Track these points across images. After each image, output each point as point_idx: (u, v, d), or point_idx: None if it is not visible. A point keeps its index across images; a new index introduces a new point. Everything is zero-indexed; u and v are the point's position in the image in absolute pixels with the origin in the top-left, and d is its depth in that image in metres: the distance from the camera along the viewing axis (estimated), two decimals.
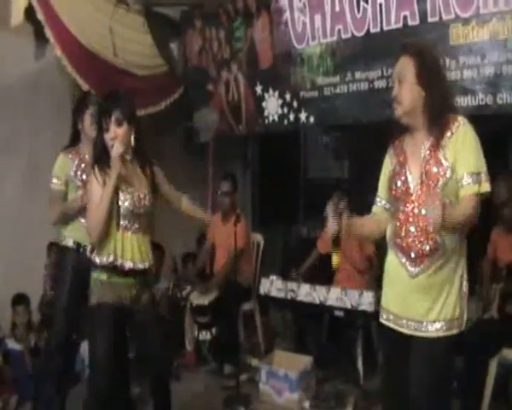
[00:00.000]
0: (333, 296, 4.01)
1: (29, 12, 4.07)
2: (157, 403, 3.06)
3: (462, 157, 2.22)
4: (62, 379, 3.52)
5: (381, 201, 2.56)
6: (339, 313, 3.99)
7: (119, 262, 2.79)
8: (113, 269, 2.80)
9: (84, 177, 3.43)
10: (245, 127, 5.12)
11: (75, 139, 3.53)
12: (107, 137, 2.78)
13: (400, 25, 3.86)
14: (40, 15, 4.15)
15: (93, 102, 3.47)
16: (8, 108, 4.35)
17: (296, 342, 4.66)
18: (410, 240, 2.30)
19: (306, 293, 4.15)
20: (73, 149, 3.51)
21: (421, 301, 2.30)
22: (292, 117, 4.66)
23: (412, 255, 2.30)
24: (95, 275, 2.83)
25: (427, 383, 2.29)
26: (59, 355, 3.46)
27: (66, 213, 3.45)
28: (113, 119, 2.76)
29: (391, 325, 2.44)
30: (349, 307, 3.91)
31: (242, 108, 5.08)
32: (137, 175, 2.91)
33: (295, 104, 4.62)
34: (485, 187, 2.23)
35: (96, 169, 2.80)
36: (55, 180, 3.46)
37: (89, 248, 3.00)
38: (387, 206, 2.51)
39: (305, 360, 4.11)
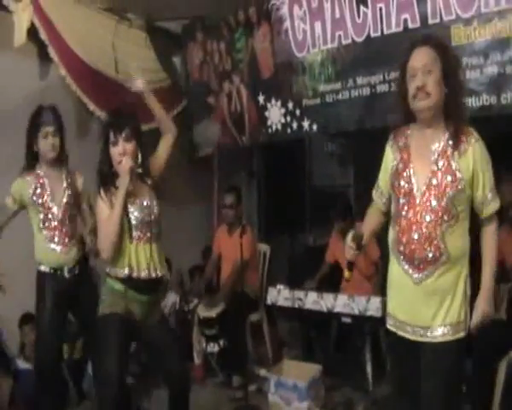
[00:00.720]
0: (340, 303, 3.97)
1: (32, 32, 4.13)
2: None
3: (482, 176, 2.21)
4: (61, 401, 3.52)
5: (381, 191, 2.54)
6: (346, 320, 3.94)
7: (135, 275, 2.80)
8: (129, 282, 2.80)
9: (41, 201, 3.40)
10: (248, 138, 5.12)
11: (32, 160, 3.46)
12: (116, 151, 2.80)
13: (401, 28, 3.86)
14: (43, 35, 4.23)
15: (46, 122, 3.40)
16: (12, 129, 4.32)
17: (304, 351, 4.63)
18: (413, 247, 2.27)
19: (313, 301, 4.11)
20: (30, 172, 3.45)
21: (426, 306, 2.28)
22: (295, 125, 4.66)
23: (415, 262, 2.27)
24: (110, 283, 2.84)
25: (437, 387, 2.25)
26: (49, 378, 3.41)
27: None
28: (123, 135, 2.78)
29: (398, 331, 2.41)
30: (357, 313, 3.87)
31: (245, 118, 5.08)
32: (140, 186, 2.92)
33: (298, 112, 4.62)
34: (497, 202, 2.30)
35: (102, 191, 2.82)
36: (9, 198, 3.44)
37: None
38: (385, 198, 2.51)
39: (313, 369, 4.05)
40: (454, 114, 2.23)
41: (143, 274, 2.82)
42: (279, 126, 4.79)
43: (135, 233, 2.81)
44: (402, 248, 2.31)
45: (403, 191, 2.32)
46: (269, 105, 4.84)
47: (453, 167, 2.20)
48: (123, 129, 2.79)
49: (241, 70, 5.04)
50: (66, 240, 3.44)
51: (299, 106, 4.60)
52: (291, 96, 4.64)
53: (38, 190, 3.41)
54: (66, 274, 3.43)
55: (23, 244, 4.16)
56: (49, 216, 3.41)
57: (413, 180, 2.29)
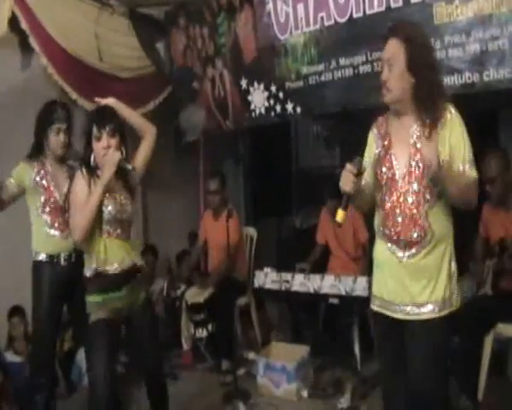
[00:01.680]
0: (327, 284, 4.00)
1: (13, 22, 4.05)
2: (154, 404, 3.06)
3: (458, 148, 2.20)
4: (50, 394, 3.46)
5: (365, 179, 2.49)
6: (334, 301, 3.97)
7: (101, 269, 2.80)
8: (101, 281, 2.79)
9: (45, 182, 3.38)
10: (232, 122, 5.09)
11: (38, 151, 3.43)
12: (99, 145, 2.77)
13: (383, 8, 3.82)
14: (24, 25, 4.14)
15: (60, 119, 3.37)
16: None
17: (293, 333, 4.67)
18: (399, 229, 2.29)
19: (301, 283, 4.14)
20: (34, 158, 3.41)
21: (411, 285, 2.30)
22: (278, 108, 4.63)
23: (401, 244, 2.29)
24: (90, 298, 2.83)
25: (424, 364, 2.28)
26: (45, 370, 3.40)
27: None
28: (107, 129, 2.77)
29: (383, 311, 2.42)
30: (343, 293, 3.91)
31: (229, 103, 5.05)
32: (118, 183, 2.91)
33: (281, 95, 4.59)
34: (476, 174, 2.24)
35: (84, 169, 2.80)
36: (9, 178, 3.37)
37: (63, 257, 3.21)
38: (370, 184, 2.46)
39: (302, 350, 4.09)
40: (424, 102, 2.24)
41: (113, 268, 2.81)
42: (262, 110, 4.76)
43: (105, 227, 2.80)
44: (387, 232, 2.34)
45: (385, 177, 2.34)
46: (252, 89, 4.81)
47: (431, 147, 2.22)
48: (107, 124, 2.78)
49: (223, 55, 5.00)
50: (66, 226, 3.37)
51: (283, 89, 4.57)
52: (274, 79, 4.61)
53: (42, 173, 3.38)
54: (62, 262, 3.39)
55: (10, 236, 4.18)
56: (52, 200, 3.38)
57: (394, 165, 2.32)
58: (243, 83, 4.87)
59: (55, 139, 3.38)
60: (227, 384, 4.13)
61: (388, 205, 2.33)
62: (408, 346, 2.33)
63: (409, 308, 2.31)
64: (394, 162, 2.32)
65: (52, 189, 3.40)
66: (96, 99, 3.12)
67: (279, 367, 3.96)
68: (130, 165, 2.85)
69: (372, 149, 2.46)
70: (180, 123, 5.46)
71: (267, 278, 4.33)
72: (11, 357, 4.06)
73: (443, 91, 2.35)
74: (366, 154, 2.50)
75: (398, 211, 2.29)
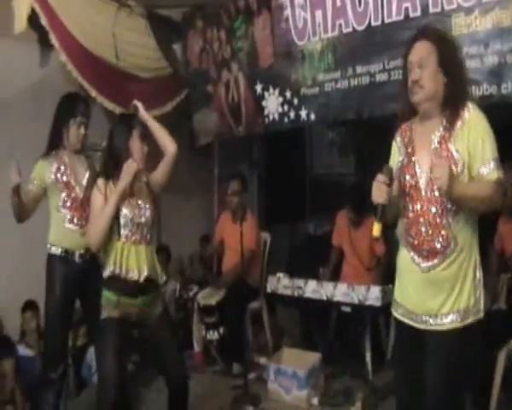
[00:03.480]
0: (340, 292, 4.00)
1: (32, 19, 4.08)
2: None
3: (479, 147, 2.16)
4: (61, 390, 3.48)
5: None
6: (346, 309, 3.98)
7: (122, 274, 2.82)
8: (118, 284, 2.82)
9: (65, 178, 3.39)
10: (244, 128, 5.08)
11: (55, 144, 3.44)
12: (137, 150, 2.87)
13: (402, 17, 3.81)
14: (44, 21, 4.17)
15: (83, 113, 3.41)
16: (12, 115, 4.35)
17: (304, 340, 4.67)
18: (422, 238, 2.27)
19: (313, 290, 4.14)
20: (53, 155, 3.42)
21: (434, 295, 2.27)
22: (292, 115, 4.62)
23: (424, 253, 2.27)
24: (106, 294, 2.86)
25: (444, 375, 2.25)
26: (56, 365, 3.41)
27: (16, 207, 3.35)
28: (139, 134, 2.88)
29: (405, 320, 2.39)
30: (356, 302, 3.91)
31: (242, 108, 5.05)
32: (138, 183, 2.94)
33: (296, 102, 4.58)
34: (500, 173, 2.18)
35: (100, 180, 2.85)
36: (30, 183, 3.39)
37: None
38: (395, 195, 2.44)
39: (313, 357, 4.08)
40: (452, 101, 2.23)
41: (131, 275, 2.83)
42: (276, 116, 4.75)
43: (123, 231, 2.82)
44: (411, 240, 2.32)
45: (408, 185, 2.32)
46: (266, 94, 4.80)
47: (451, 149, 2.20)
48: (144, 134, 2.92)
49: (240, 58, 4.99)
50: (84, 222, 3.39)
51: (297, 95, 4.56)
52: (289, 85, 4.60)
53: (62, 169, 3.39)
54: (77, 259, 3.41)
55: (25, 231, 4.20)
56: (72, 195, 3.40)
57: (417, 172, 2.29)
58: (258, 88, 4.86)
59: (76, 132, 3.40)
60: (237, 388, 4.13)
61: (412, 214, 2.31)
62: (428, 356, 2.30)
63: (429, 318, 2.28)
64: (417, 170, 2.29)
65: (72, 183, 3.41)
66: (134, 102, 3.18)
67: (290, 373, 3.96)
68: (145, 179, 2.93)
69: (396, 157, 2.44)
70: (193, 125, 5.46)
71: (280, 284, 4.34)
72: (23, 351, 4.06)
73: (470, 94, 2.37)
74: (390, 163, 2.46)
75: (421, 220, 2.26)
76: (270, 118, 4.80)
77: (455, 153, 2.18)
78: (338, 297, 4.00)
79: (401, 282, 2.44)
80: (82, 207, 3.41)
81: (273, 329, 4.98)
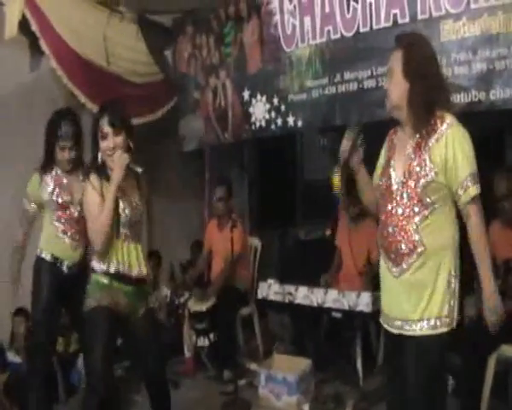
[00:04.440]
0: (330, 298, 3.99)
1: (23, 24, 4.08)
2: None
3: (457, 163, 2.18)
4: (46, 394, 3.47)
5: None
6: (337, 315, 3.97)
7: (123, 270, 2.81)
8: (115, 276, 2.80)
9: (60, 200, 3.40)
10: (231, 135, 5.07)
11: (50, 162, 3.44)
12: (105, 145, 2.77)
13: (390, 23, 3.83)
14: (35, 27, 4.18)
15: (64, 136, 3.35)
16: (3, 121, 4.35)
17: (295, 345, 4.66)
18: (390, 240, 2.31)
19: (304, 296, 4.13)
20: (48, 170, 3.43)
21: (405, 300, 2.30)
22: (279, 121, 4.61)
23: (392, 256, 2.31)
24: (95, 277, 2.83)
25: (417, 381, 2.28)
26: (41, 370, 3.42)
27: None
28: (112, 128, 2.76)
29: (384, 324, 2.45)
30: (347, 308, 3.89)
31: (229, 114, 5.04)
32: (129, 181, 2.91)
33: (283, 108, 4.57)
34: (478, 188, 2.21)
35: (94, 176, 2.80)
36: (25, 200, 3.44)
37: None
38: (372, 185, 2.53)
39: (304, 363, 4.09)
40: (418, 106, 2.24)
41: (135, 272, 2.84)
42: (263, 123, 4.74)
43: (122, 230, 2.81)
44: (382, 242, 2.36)
45: (384, 187, 2.37)
46: (253, 101, 4.80)
47: (424, 157, 2.22)
48: (111, 122, 2.76)
49: (228, 64, 5.00)
50: (77, 237, 3.44)
51: (285, 101, 4.55)
52: (277, 91, 4.60)
53: (57, 190, 3.41)
54: (64, 269, 3.42)
55: (12, 238, 4.19)
56: (67, 213, 3.42)
57: (392, 176, 2.34)
58: (245, 94, 4.86)
59: (61, 156, 3.39)
60: (228, 394, 4.13)
61: (383, 216, 2.36)
62: (404, 360, 2.32)
63: (402, 324, 2.31)
64: (392, 172, 2.34)
65: (68, 204, 3.43)
66: None
67: (280, 379, 3.95)
68: (139, 168, 2.87)
69: (381, 160, 2.50)
70: (179, 131, 5.46)
71: (270, 290, 4.33)
72: (12, 357, 4.10)
73: (443, 102, 2.31)
74: (377, 165, 2.53)
75: (389, 221, 2.31)
76: (257, 124, 4.80)
77: (428, 162, 2.21)
78: (329, 303, 3.98)
79: (381, 288, 2.49)
80: (77, 223, 3.43)
81: (264, 335, 4.99)
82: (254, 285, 4.78)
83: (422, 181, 2.21)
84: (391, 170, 2.36)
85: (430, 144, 2.22)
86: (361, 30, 3.99)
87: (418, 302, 2.26)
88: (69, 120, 3.42)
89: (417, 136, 2.27)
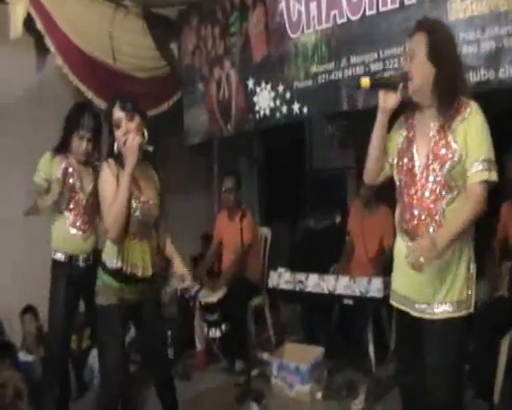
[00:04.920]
0: (341, 285, 3.97)
1: (28, 23, 4.07)
2: (165, 403, 3.03)
3: (474, 144, 2.17)
4: (63, 392, 3.47)
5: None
6: (348, 302, 3.94)
7: (125, 268, 2.77)
8: (121, 276, 2.77)
9: (71, 181, 3.39)
10: (233, 126, 5.03)
11: (64, 148, 3.43)
12: (119, 133, 2.71)
13: (397, 5, 3.76)
14: (39, 25, 4.17)
15: (85, 127, 3.36)
16: (11, 121, 4.36)
17: (306, 334, 4.64)
18: (415, 223, 2.28)
19: (315, 284, 4.11)
20: (61, 153, 3.42)
21: (427, 283, 2.27)
22: (284, 109, 4.56)
23: (417, 239, 2.26)
24: (104, 277, 2.81)
25: (438, 364, 2.27)
26: (57, 369, 3.42)
27: (37, 207, 3.39)
28: (125, 114, 2.70)
29: (401, 307, 2.42)
30: (358, 294, 3.88)
31: (232, 105, 5.00)
32: (146, 178, 2.85)
33: (288, 96, 4.52)
34: (494, 176, 2.18)
35: (111, 161, 2.73)
36: (36, 176, 3.40)
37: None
38: (390, 161, 2.45)
39: (315, 351, 4.06)
40: (445, 90, 2.23)
41: (135, 271, 2.80)
42: (267, 111, 4.69)
43: (131, 228, 2.75)
44: (405, 226, 2.34)
45: (405, 169, 2.34)
46: (258, 89, 4.75)
47: (449, 141, 2.21)
48: (124, 108, 2.70)
49: (233, 54, 4.96)
50: (87, 226, 3.43)
51: (290, 89, 4.50)
52: (282, 79, 4.55)
53: (70, 170, 3.40)
54: (80, 263, 3.42)
55: (21, 237, 4.21)
56: (76, 198, 3.41)
57: (415, 158, 2.31)
58: (250, 83, 4.82)
59: (78, 145, 3.38)
60: (240, 385, 4.11)
61: (406, 198, 2.33)
62: (424, 344, 2.32)
63: (424, 307, 2.30)
64: (415, 155, 2.31)
65: (77, 188, 3.42)
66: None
67: (293, 368, 3.93)
68: (150, 146, 2.76)
69: (397, 135, 2.43)
70: (184, 124, 5.44)
71: (281, 279, 4.31)
72: (23, 357, 4.09)
73: (465, 87, 2.32)
74: (392, 132, 2.46)
75: (415, 204, 2.28)
76: (261, 113, 4.75)
77: (453, 144, 2.20)
78: (340, 290, 3.97)
79: (398, 271, 2.45)
80: (85, 212, 3.43)
81: (275, 324, 4.97)
82: (265, 275, 4.75)
83: (448, 164, 2.20)
84: (413, 151, 2.33)
85: (454, 127, 2.21)
86: (367, 13, 3.93)
87: (441, 286, 2.26)
88: (92, 113, 3.44)
89: (441, 118, 2.25)
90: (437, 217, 2.23)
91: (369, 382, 3.85)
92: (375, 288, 3.80)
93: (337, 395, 3.84)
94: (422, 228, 2.26)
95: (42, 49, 4.41)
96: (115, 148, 2.75)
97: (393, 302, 2.48)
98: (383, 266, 4.33)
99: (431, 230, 2.23)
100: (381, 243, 4.52)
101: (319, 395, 3.88)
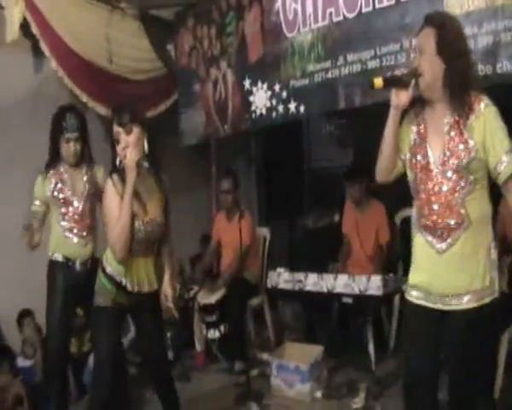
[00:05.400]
0: (340, 283, 3.94)
1: (25, 27, 4.09)
2: (164, 402, 3.04)
3: (496, 139, 2.17)
4: (63, 396, 3.45)
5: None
6: (347, 300, 3.92)
7: (132, 287, 2.79)
8: (120, 286, 2.79)
9: (62, 195, 3.40)
10: (230, 126, 5.01)
11: (54, 158, 3.43)
12: (119, 148, 2.68)
13: (393, 1, 3.73)
14: (35, 29, 4.19)
15: (69, 128, 3.34)
16: (9, 123, 4.35)
17: (306, 333, 4.64)
18: (435, 217, 2.27)
19: (314, 282, 4.09)
20: (52, 167, 3.43)
21: (451, 275, 2.27)
22: (281, 109, 4.53)
23: (438, 232, 2.27)
24: (103, 280, 2.81)
25: (463, 353, 2.27)
26: (57, 372, 3.40)
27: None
28: (123, 128, 2.66)
29: (421, 302, 2.38)
30: (357, 292, 3.85)
31: (229, 106, 4.98)
32: (152, 194, 2.82)
33: (284, 95, 4.49)
34: None
35: (115, 177, 2.71)
36: (34, 202, 3.42)
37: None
38: (402, 157, 2.43)
39: (315, 351, 4.03)
40: (456, 85, 2.22)
41: (142, 289, 2.81)
42: (264, 111, 4.66)
43: (134, 246, 2.73)
44: (424, 221, 2.32)
45: (419, 166, 2.33)
46: (254, 89, 4.72)
47: (465, 136, 2.21)
48: (122, 122, 2.67)
49: (229, 54, 4.94)
50: (85, 233, 3.43)
51: (286, 88, 4.47)
52: (278, 78, 4.52)
53: (59, 185, 3.40)
54: (77, 267, 3.41)
55: (19, 240, 4.19)
56: (70, 209, 3.41)
57: (429, 154, 2.30)
58: (246, 83, 4.80)
59: (66, 148, 3.37)
60: (240, 385, 4.10)
61: (424, 194, 2.32)
62: (448, 337, 2.32)
63: (447, 299, 2.29)
64: (429, 151, 2.30)
65: (70, 199, 3.41)
66: None
67: (292, 368, 3.92)
68: (146, 162, 2.74)
69: (408, 131, 2.41)
70: (180, 125, 5.43)
71: (280, 278, 4.29)
72: (22, 362, 4.07)
73: (475, 80, 2.32)
74: (403, 127, 2.44)
75: (433, 199, 2.28)
76: (258, 113, 4.72)
77: (470, 140, 2.19)
78: (339, 289, 3.94)
79: (418, 266, 2.43)
80: (81, 218, 3.43)
81: (275, 324, 4.94)
82: (264, 275, 4.73)
83: (466, 159, 2.20)
84: (427, 147, 2.32)
85: (469, 123, 2.20)
86: (363, 10, 3.90)
87: (464, 275, 2.25)
88: (74, 113, 3.42)
89: (455, 114, 2.24)
90: (456, 208, 2.23)
91: (369, 380, 3.83)
92: (374, 286, 3.78)
93: (337, 394, 3.83)
94: (442, 220, 2.26)
95: (39, 52, 4.43)
96: (117, 164, 2.72)
97: (411, 298, 2.43)
98: (382, 263, 4.35)
99: (452, 222, 2.23)
100: (377, 238, 4.52)
101: (319, 394, 3.86)
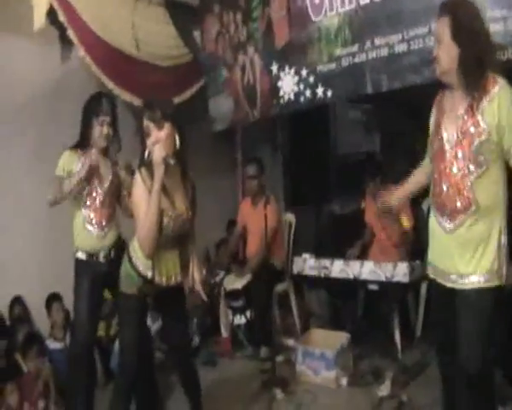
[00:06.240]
0: (366, 270, 3.93)
1: (52, 15, 4.09)
2: (187, 390, 3.10)
3: (509, 123, 2.21)
4: (90, 381, 3.49)
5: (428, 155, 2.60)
6: (373, 287, 3.91)
7: (160, 280, 2.80)
8: (146, 280, 2.80)
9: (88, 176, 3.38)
10: (259, 111, 4.95)
11: (83, 142, 3.43)
12: (149, 142, 2.67)
13: None
14: (62, 17, 4.17)
15: (105, 111, 3.37)
16: (35, 114, 4.38)
17: (332, 320, 4.62)
18: (444, 198, 2.36)
19: (340, 269, 4.08)
20: (81, 148, 3.42)
21: (458, 255, 2.35)
22: (308, 93, 4.45)
23: (447, 213, 2.35)
24: (129, 269, 2.80)
25: (471, 332, 2.34)
26: (83, 365, 3.42)
27: (62, 192, 3.34)
28: (154, 123, 2.65)
29: (437, 278, 2.50)
30: (383, 279, 3.84)
31: (257, 91, 4.92)
32: (179, 189, 2.81)
33: (312, 79, 4.42)
34: None
35: (144, 171, 2.70)
36: (57, 171, 3.39)
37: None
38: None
39: (341, 337, 4.03)
40: (470, 70, 2.25)
41: (169, 282, 2.83)
42: (291, 96, 4.60)
43: (163, 241, 2.73)
44: (435, 199, 2.43)
45: (436, 147, 2.42)
46: (282, 74, 4.66)
47: (477, 118, 2.25)
48: (153, 116, 2.65)
49: (256, 40, 4.88)
50: (104, 223, 3.42)
51: (314, 72, 4.40)
52: (305, 63, 4.45)
53: (86, 165, 3.37)
54: (101, 259, 3.43)
55: (47, 229, 4.25)
56: (93, 194, 3.41)
57: (444, 137, 2.37)
58: (274, 68, 4.73)
59: (99, 130, 3.38)
60: (265, 371, 4.09)
61: (436, 175, 2.41)
62: (456, 313, 2.38)
63: (455, 277, 2.37)
64: (444, 134, 2.37)
65: (95, 183, 3.41)
66: None
67: (318, 354, 3.91)
68: (172, 159, 2.67)
69: (431, 125, 2.53)
70: (209, 112, 5.41)
71: (306, 265, 4.29)
72: (52, 344, 4.12)
73: (491, 62, 2.32)
74: (433, 109, 2.55)
75: (444, 179, 2.36)
76: (286, 98, 4.65)
77: (481, 122, 2.23)
78: (365, 275, 3.93)
79: (432, 243, 2.54)
80: (101, 208, 3.43)
81: (300, 310, 4.94)
82: (289, 261, 4.72)
83: (477, 141, 2.25)
84: (442, 131, 2.39)
85: (483, 105, 2.24)
86: None
87: (471, 257, 2.32)
88: (109, 99, 3.48)
89: (469, 98, 2.28)
90: (465, 192, 2.30)
91: (395, 368, 3.81)
92: (400, 273, 3.76)
93: (363, 382, 3.82)
94: (450, 202, 2.33)
95: (66, 41, 4.43)
96: (146, 156, 2.71)
97: (429, 273, 2.58)
98: (407, 249, 4.30)
99: (458, 204, 2.30)
100: (400, 223, 4.45)
101: (344, 381, 3.85)
